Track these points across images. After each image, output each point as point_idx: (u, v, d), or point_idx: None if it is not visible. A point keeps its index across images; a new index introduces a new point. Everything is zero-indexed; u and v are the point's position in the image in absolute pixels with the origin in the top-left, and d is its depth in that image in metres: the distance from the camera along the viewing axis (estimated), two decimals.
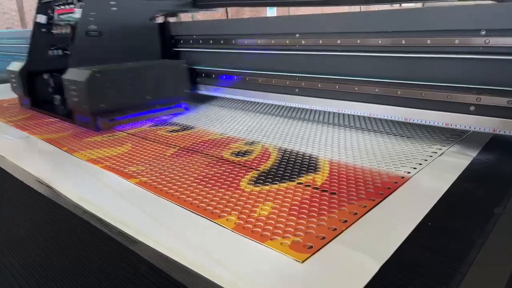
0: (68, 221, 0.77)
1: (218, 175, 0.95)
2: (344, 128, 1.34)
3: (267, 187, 0.87)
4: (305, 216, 0.73)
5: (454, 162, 0.98)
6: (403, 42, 1.12)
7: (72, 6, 1.71)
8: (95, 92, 1.37)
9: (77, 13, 1.63)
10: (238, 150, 1.15)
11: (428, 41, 1.07)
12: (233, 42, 1.64)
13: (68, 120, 1.55)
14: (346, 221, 0.71)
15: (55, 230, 0.74)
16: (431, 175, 0.92)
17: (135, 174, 0.98)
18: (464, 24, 1.02)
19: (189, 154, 1.13)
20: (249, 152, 1.12)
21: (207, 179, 0.93)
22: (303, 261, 0.60)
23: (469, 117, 1.05)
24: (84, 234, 0.72)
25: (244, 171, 0.97)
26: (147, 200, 0.85)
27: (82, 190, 0.92)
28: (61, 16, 1.79)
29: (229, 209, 0.77)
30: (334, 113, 1.49)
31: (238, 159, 1.07)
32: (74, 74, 1.43)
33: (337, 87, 1.32)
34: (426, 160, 1.00)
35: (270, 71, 1.54)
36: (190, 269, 0.59)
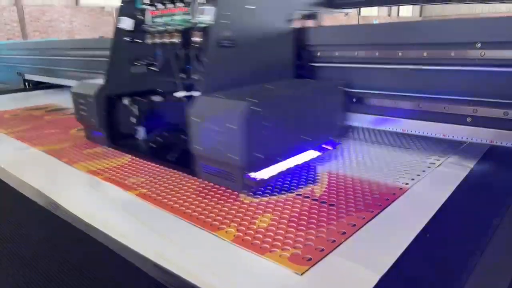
0: (67, 233, 0.77)
1: (218, 186, 0.96)
2: (342, 139, 1.35)
3: (266, 199, 0.88)
4: (304, 228, 0.74)
5: (452, 173, 0.99)
6: (400, 54, 1.14)
7: (180, 5, 1.19)
8: (252, 135, 0.87)
9: (202, 14, 1.09)
10: None
11: (425, 54, 1.09)
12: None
13: (181, 170, 1.07)
14: (345, 232, 0.72)
15: (54, 242, 0.74)
16: (429, 186, 0.93)
17: (135, 186, 0.98)
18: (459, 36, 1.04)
19: None
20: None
21: (207, 190, 0.94)
22: (302, 273, 0.60)
23: (466, 128, 1.06)
24: (83, 246, 0.72)
25: None
26: (147, 212, 0.85)
27: (82, 202, 0.92)
28: (157, 20, 1.28)
29: (228, 221, 0.78)
30: None
31: None
32: (213, 107, 0.94)
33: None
34: (424, 171, 1.01)
35: None
36: (189, 281, 0.60)
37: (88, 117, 1.34)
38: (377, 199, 0.85)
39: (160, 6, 1.25)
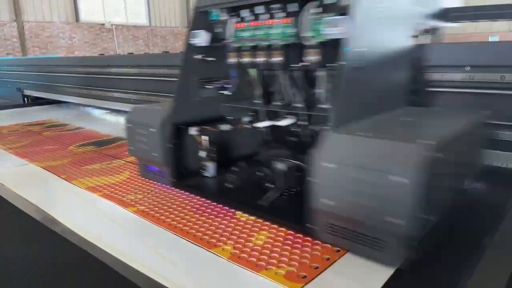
0: (65, 249, 0.78)
1: (215, 203, 0.97)
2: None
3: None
4: (299, 246, 0.75)
5: None
6: None
7: (281, 15, 0.96)
8: (429, 191, 0.63)
9: (335, 26, 0.82)
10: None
11: None
12: None
13: (287, 224, 0.83)
14: (339, 250, 0.73)
15: (52, 258, 0.75)
16: None
17: (133, 203, 0.99)
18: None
19: None
20: None
21: (204, 208, 0.95)
22: None
23: None
24: (80, 262, 0.73)
25: None
26: (144, 229, 0.86)
27: (80, 218, 0.93)
28: (244, 33, 1.02)
29: (225, 238, 0.79)
30: None
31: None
32: (362, 148, 0.69)
33: None
34: None
35: None
36: None
37: (149, 150, 1.11)
38: None
39: (249, 17, 1.02)
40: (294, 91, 1.03)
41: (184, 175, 1.10)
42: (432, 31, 1.19)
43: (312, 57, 0.90)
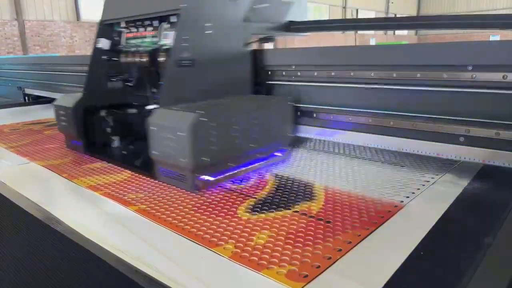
0: (66, 248, 0.78)
1: (216, 202, 0.97)
2: (339, 156, 1.37)
3: (263, 215, 0.89)
4: (301, 245, 0.75)
5: (446, 191, 1.01)
6: (395, 75, 1.17)
7: (149, 29, 1.40)
8: (200, 142, 1.01)
9: (165, 38, 1.32)
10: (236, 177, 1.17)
11: (418, 75, 1.12)
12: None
13: (144, 173, 1.20)
14: (340, 250, 0.73)
15: (53, 256, 0.75)
16: (424, 204, 0.94)
17: (134, 202, 1.00)
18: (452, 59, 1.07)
19: None
20: (246, 179, 1.15)
21: (205, 207, 0.95)
22: None
23: (459, 148, 1.08)
24: (82, 261, 0.73)
25: (241, 199, 0.99)
26: (146, 228, 0.86)
27: (81, 217, 0.93)
28: (132, 41, 1.48)
29: (226, 238, 0.79)
30: (330, 142, 1.53)
31: (235, 186, 1.09)
32: (168, 117, 1.07)
33: (332, 117, 1.35)
34: (418, 189, 1.03)
35: None
36: None
37: (67, 127, 1.50)
38: (373, 217, 0.87)
39: (133, 29, 1.48)
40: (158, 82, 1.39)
41: (96, 146, 1.47)
42: (268, 39, 1.61)
43: (161, 59, 1.32)
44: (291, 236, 0.79)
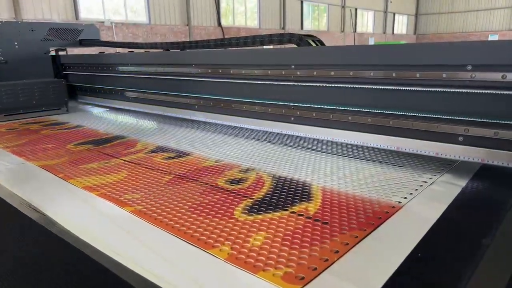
0: (62, 250, 0.77)
1: (213, 203, 0.97)
2: (337, 156, 1.36)
3: (260, 217, 0.88)
4: (298, 247, 0.74)
5: (444, 191, 1.00)
6: (394, 75, 1.17)
7: None
8: None
9: None
10: (233, 177, 1.16)
11: (417, 75, 1.11)
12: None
13: None
14: (337, 251, 0.72)
15: (47, 258, 0.74)
16: (422, 205, 0.94)
17: (130, 202, 0.99)
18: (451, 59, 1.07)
19: (184, 181, 1.14)
20: (244, 180, 1.14)
21: (201, 208, 0.94)
22: None
23: (458, 147, 1.08)
24: (77, 263, 0.72)
25: (238, 200, 0.99)
26: (142, 229, 0.85)
27: (76, 218, 0.92)
28: None
29: (223, 239, 0.78)
30: (328, 141, 1.52)
31: (232, 187, 1.08)
32: None
33: (331, 116, 1.35)
34: (416, 189, 1.02)
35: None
36: None
37: None
38: (370, 218, 0.86)
39: None
40: None
41: None
42: (62, 49, 2.97)
43: None
44: (287, 237, 0.78)
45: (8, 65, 2.44)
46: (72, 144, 1.64)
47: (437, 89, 1.10)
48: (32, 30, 2.64)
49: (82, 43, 3.02)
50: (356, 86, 1.28)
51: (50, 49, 2.79)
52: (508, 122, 1.00)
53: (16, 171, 1.31)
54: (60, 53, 2.95)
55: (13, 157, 1.47)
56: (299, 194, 1.01)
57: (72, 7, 9.79)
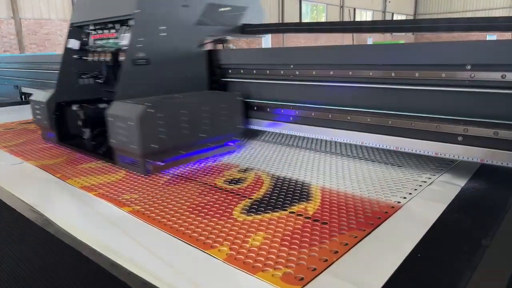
0: (59, 251, 0.77)
1: (211, 203, 0.96)
2: (336, 156, 1.36)
3: (259, 217, 0.88)
4: (297, 247, 0.74)
5: (443, 191, 1.00)
6: (393, 74, 1.16)
7: (112, 31, 1.56)
8: (148, 131, 1.16)
9: (123, 39, 1.47)
10: (232, 177, 1.16)
11: (417, 74, 1.11)
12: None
13: (107, 160, 1.34)
14: (337, 251, 0.72)
15: (44, 259, 0.73)
16: (421, 205, 0.93)
17: (128, 203, 0.98)
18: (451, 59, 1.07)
19: (183, 181, 1.13)
20: (242, 179, 1.13)
21: (200, 208, 0.94)
22: None
23: (457, 147, 1.07)
24: (75, 264, 0.72)
25: (237, 200, 0.98)
26: (140, 230, 0.85)
27: (74, 219, 0.92)
28: (98, 42, 1.65)
29: (221, 239, 0.78)
30: (327, 141, 1.52)
31: (231, 187, 1.08)
32: (121, 109, 1.22)
33: (330, 116, 1.34)
34: (416, 189, 1.02)
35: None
36: None
37: (42, 120, 1.64)
38: (370, 218, 0.86)
39: (99, 31, 1.64)
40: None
41: (68, 137, 1.61)
42: (221, 41, 1.74)
43: (121, 58, 1.43)
44: (287, 237, 0.78)
45: (150, 67, 1.40)
46: None
47: (437, 88, 1.10)
48: (185, 6, 1.50)
49: (246, 30, 1.80)
50: (354, 85, 1.27)
51: (205, 41, 1.62)
52: (508, 122, 0.99)
53: (14, 171, 1.30)
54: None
55: (11, 157, 1.46)
56: (298, 194, 1.01)
57: (70, 6, 9.76)
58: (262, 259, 0.70)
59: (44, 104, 1.59)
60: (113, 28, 1.54)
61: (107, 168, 1.28)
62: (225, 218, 0.87)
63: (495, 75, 0.99)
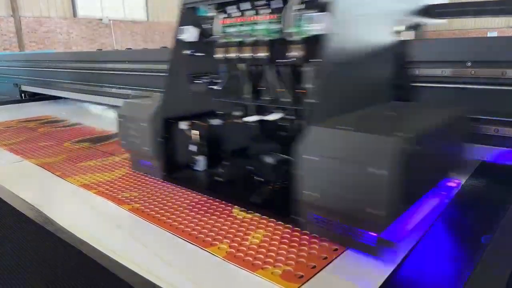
0: (58, 249, 0.77)
1: (211, 201, 0.96)
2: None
3: (259, 214, 0.88)
4: (296, 245, 0.74)
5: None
6: None
7: (265, 11, 0.97)
8: (401, 180, 0.65)
9: (318, 23, 0.85)
10: None
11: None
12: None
13: (275, 217, 0.85)
14: (336, 249, 0.72)
15: (44, 257, 0.73)
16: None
17: (128, 200, 0.98)
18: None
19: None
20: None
21: (200, 205, 0.94)
22: None
23: None
24: (74, 262, 0.72)
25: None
26: (140, 227, 0.85)
27: (74, 217, 0.92)
28: (231, 29, 1.05)
29: (221, 237, 0.78)
30: None
31: None
32: (343, 142, 0.71)
33: None
34: None
35: None
36: None
37: (140, 144, 1.12)
38: None
39: (235, 13, 1.03)
40: (280, 86, 1.03)
41: (174, 169, 1.11)
42: (415, 27, 1.21)
43: (295, 53, 0.91)
44: (286, 235, 0.78)
45: (348, 68, 0.88)
46: (69, 142, 1.63)
47: (439, 85, 1.09)
48: None
49: (434, 10, 1.29)
50: None
51: (396, 29, 1.07)
52: (508, 119, 0.99)
53: (14, 169, 1.30)
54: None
55: (11, 155, 1.46)
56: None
57: (69, 4, 9.75)
58: (262, 256, 0.70)
59: (146, 122, 1.08)
60: (267, 6, 0.97)
61: (107, 166, 1.28)
62: (225, 216, 0.87)
63: (496, 72, 0.98)
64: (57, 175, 1.20)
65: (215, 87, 1.14)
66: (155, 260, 0.71)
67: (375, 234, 0.69)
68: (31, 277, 0.67)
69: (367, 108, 0.91)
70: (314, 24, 0.85)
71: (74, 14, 9.89)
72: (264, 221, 0.84)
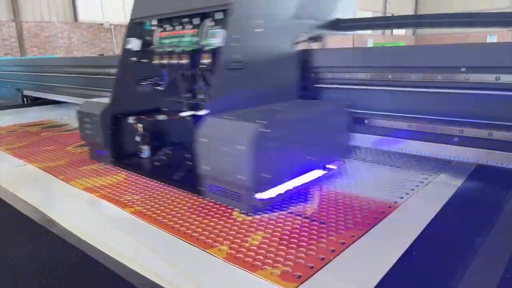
0: (62, 250, 0.78)
1: (212, 203, 0.98)
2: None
3: (258, 217, 0.90)
4: (295, 246, 0.76)
5: (440, 192, 1.02)
6: (390, 76, 1.18)
7: (188, 27, 1.22)
8: (261, 157, 0.88)
9: (213, 37, 1.13)
10: None
11: (413, 77, 1.13)
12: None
13: (186, 189, 1.08)
14: (334, 250, 0.74)
15: (49, 259, 0.75)
16: (418, 205, 0.95)
17: (130, 203, 1.00)
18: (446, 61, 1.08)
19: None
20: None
21: (201, 208, 0.95)
22: None
23: (453, 148, 1.09)
24: (78, 263, 0.74)
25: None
26: (142, 230, 0.87)
27: (77, 219, 0.93)
28: (166, 41, 1.30)
29: (222, 239, 0.80)
30: None
31: None
32: (222, 128, 0.95)
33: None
34: (413, 189, 1.03)
35: None
36: None
37: (93, 135, 1.35)
38: (367, 217, 0.87)
39: (169, 28, 1.29)
40: (201, 87, 1.27)
41: (123, 156, 1.35)
42: (316, 38, 1.43)
43: (205, 60, 1.15)
44: (285, 237, 0.80)
45: (245, 72, 1.10)
46: (72, 146, 1.65)
47: (433, 90, 1.11)
48: None
49: (339, 25, 1.53)
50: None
51: (300, 39, 1.32)
52: (502, 123, 1.01)
53: (17, 173, 1.32)
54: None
55: (14, 159, 1.48)
56: (296, 195, 1.02)
57: (71, 9, 9.80)
58: (261, 257, 0.72)
59: (97, 116, 1.31)
60: (190, 23, 1.21)
61: (109, 170, 1.30)
62: (225, 218, 0.89)
63: (490, 77, 1.00)
64: (60, 179, 1.22)
65: (159, 88, 1.39)
66: (158, 261, 0.73)
67: (248, 197, 0.90)
68: (34, 279, 0.69)
69: (271, 104, 1.13)
70: (214, 38, 1.13)
71: (75, 18, 9.93)
72: (264, 223, 0.86)
